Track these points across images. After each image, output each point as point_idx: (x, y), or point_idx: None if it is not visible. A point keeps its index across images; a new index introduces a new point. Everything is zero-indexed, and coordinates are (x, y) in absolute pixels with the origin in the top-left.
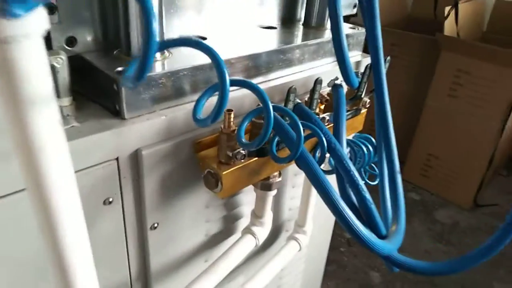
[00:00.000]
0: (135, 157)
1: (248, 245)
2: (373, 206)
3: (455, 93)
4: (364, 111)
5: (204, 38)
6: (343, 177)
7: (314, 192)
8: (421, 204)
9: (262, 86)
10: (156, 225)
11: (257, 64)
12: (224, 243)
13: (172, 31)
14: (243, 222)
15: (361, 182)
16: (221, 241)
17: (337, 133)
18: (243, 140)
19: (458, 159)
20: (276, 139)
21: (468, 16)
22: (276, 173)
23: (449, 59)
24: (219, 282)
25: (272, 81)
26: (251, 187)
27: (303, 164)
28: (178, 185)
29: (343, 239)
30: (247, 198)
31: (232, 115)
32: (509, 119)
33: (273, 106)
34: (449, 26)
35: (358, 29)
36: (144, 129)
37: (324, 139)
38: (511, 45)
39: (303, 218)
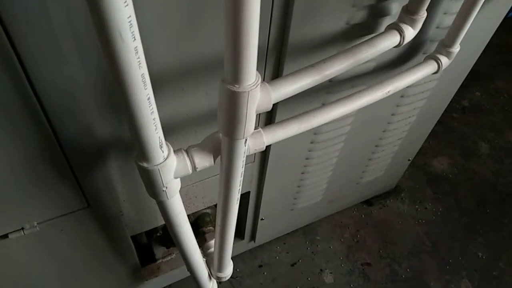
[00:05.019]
0: None
1: (391, 40)
2: None
3: None
4: None
5: None
6: None
7: (478, 7)
8: None
9: None
10: None
11: None
12: (362, 38)
13: None
14: (389, 22)
15: None
16: (360, 35)
17: None
18: None
19: None
20: None
21: None
22: None
23: None
24: (348, 68)
25: None
26: None
27: None
28: None
29: (458, 105)
30: None
31: None
32: None
33: None
34: None
35: None
36: None
37: None
38: None
39: (453, 37)
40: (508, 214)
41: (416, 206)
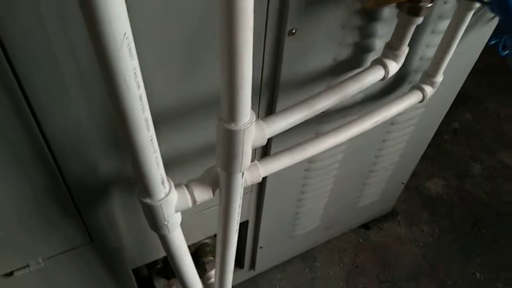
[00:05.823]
0: None
1: (375, 75)
2: None
3: None
4: None
5: None
6: None
7: (457, 40)
8: None
9: None
10: (294, 31)
11: None
12: (349, 72)
13: None
14: (374, 56)
15: None
16: (347, 70)
17: None
18: None
19: None
20: None
21: None
22: None
23: None
24: (336, 103)
25: None
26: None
27: None
28: None
29: (449, 127)
30: (385, 29)
31: None
32: None
33: None
34: None
35: None
36: None
37: None
38: None
39: (436, 67)
40: (503, 234)
41: (413, 229)
